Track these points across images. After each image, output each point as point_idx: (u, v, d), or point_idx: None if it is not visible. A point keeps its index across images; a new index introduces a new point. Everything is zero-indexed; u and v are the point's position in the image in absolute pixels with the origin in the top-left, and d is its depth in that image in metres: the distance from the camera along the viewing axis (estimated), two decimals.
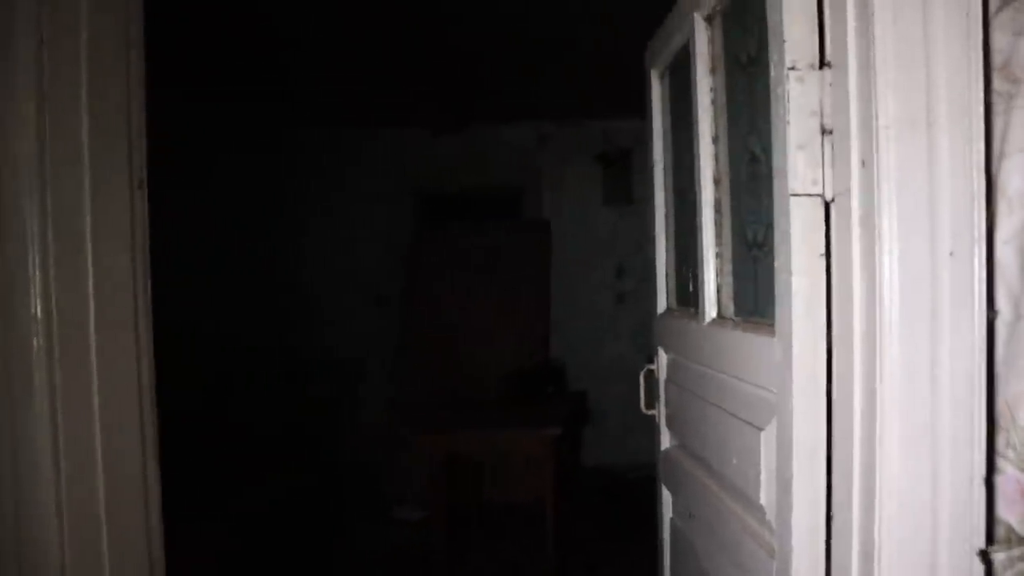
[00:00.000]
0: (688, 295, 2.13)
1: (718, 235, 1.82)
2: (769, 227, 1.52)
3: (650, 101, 2.39)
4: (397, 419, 5.24)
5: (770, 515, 1.44)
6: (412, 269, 6.34)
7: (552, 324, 6.40)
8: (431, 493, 4.24)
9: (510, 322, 6.09)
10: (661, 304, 2.37)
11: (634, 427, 6.09)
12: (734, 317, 1.73)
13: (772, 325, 1.47)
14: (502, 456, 4.32)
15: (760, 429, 1.46)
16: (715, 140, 1.83)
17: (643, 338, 6.44)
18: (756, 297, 1.60)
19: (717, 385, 1.75)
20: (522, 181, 6.73)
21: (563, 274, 6.59)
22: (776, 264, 1.38)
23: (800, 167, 1.30)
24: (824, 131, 1.29)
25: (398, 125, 6.48)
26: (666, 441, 2.34)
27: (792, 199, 1.30)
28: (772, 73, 1.37)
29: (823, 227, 1.30)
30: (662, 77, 2.33)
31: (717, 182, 1.83)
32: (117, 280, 1.52)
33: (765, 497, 1.45)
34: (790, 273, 1.31)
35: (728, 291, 1.80)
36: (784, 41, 1.30)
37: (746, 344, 1.56)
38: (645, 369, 2.40)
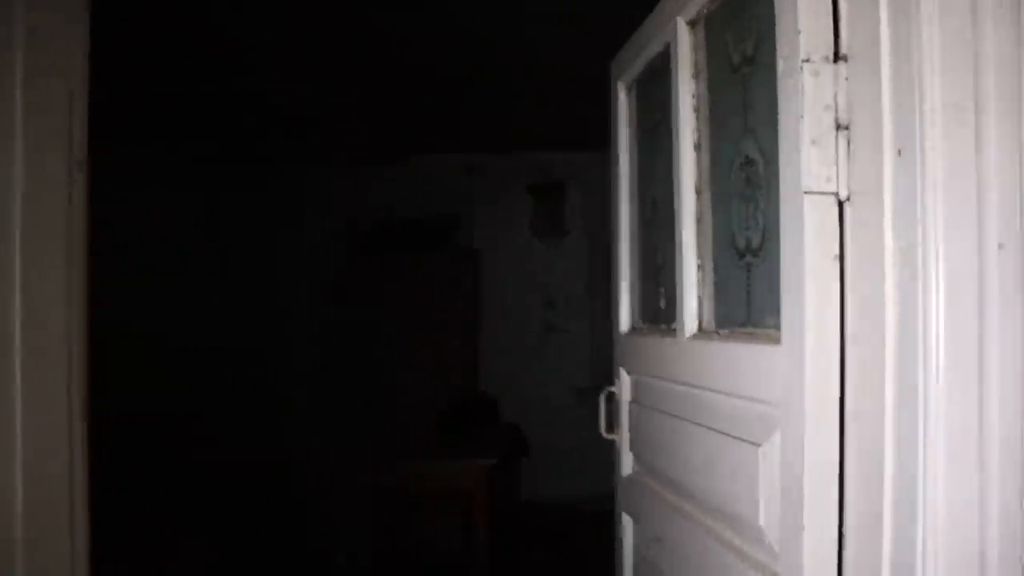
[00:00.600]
0: (658, 312, 2.05)
1: (699, 247, 1.75)
2: (767, 232, 1.45)
3: (615, 114, 2.33)
4: (325, 451, 4.99)
5: (770, 536, 1.34)
6: (341, 300, 6.14)
7: (482, 355, 6.28)
8: (359, 529, 4.02)
9: (441, 353, 5.94)
10: (624, 323, 2.29)
11: (569, 459, 6.00)
12: (718, 330, 1.65)
13: (772, 334, 1.40)
14: (436, 489, 4.14)
15: (757, 445, 1.38)
16: (697, 148, 1.77)
17: (574, 369, 6.38)
18: (749, 307, 1.52)
19: (699, 403, 1.66)
20: (454, 212, 6.63)
21: (493, 305, 6.50)
22: (783, 269, 1.30)
23: (813, 164, 1.24)
24: (839, 126, 1.24)
25: (330, 156, 6.30)
26: (628, 466, 2.24)
27: (806, 198, 1.24)
28: (780, 68, 1.31)
29: (837, 227, 1.24)
30: (629, 89, 2.28)
31: (699, 192, 1.76)
32: (49, 282, 1.35)
33: (764, 517, 1.36)
34: (803, 277, 1.24)
35: (709, 304, 1.72)
36: (799, 32, 1.24)
37: (739, 356, 1.47)
38: (606, 391, 2.30)
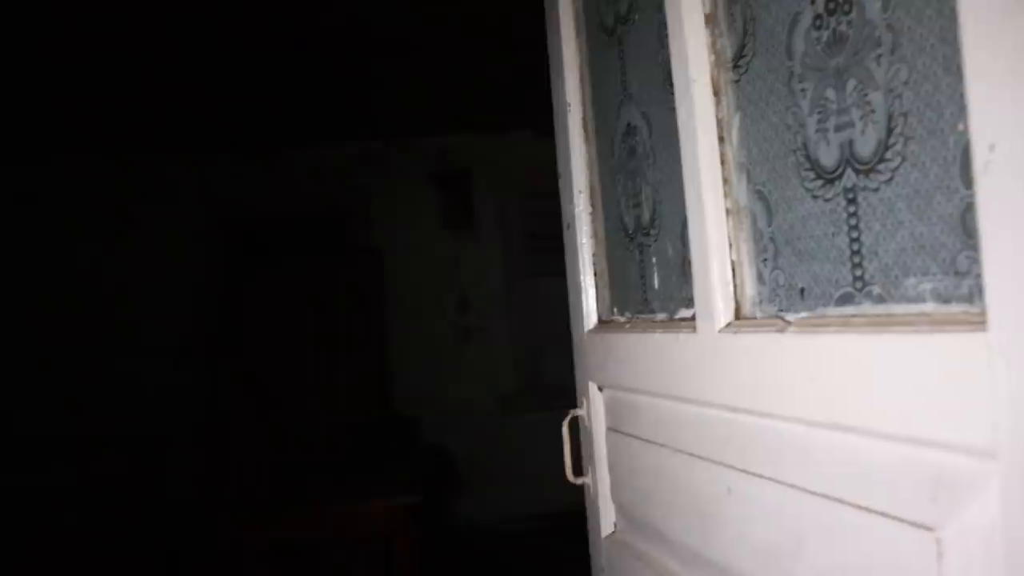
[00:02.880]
0: (649, 294, 1.37)
1: (726, 181, 1.07)
2: (898, 126, 0.78)
3: (556, 22, 1.64)
4: (208, 497, 4.13)
5: None
6: (222, 315, 5.25)
7: (393, 368, 5.51)
8: None
9: (342, 369, 5.15)
10: (588, 317, 1.59)
11: (495, 480, 5.32)
12: (781, 314, 0.98)
13: (941, 314, 0.73)
14: (347, 536, 3.39)
15: (929, 529, 0.70)
16: (710, 21, 1.09)
17: (496, 375, 5.68)
18: (860, 268, 0.85)
19: (762, 440, 0.98)
20: (348, 206, 5.82)
21: (399, 310, 5.73)
22: (982, 173, 0.63)
23: None
24: None
25: (201, 148, 5.40)
26: (609, 522, 1.55)
27: None
28: None
29: None
30: None
31: (717, 92, 1.08)
32: None
33: None
34: None
35: (754, 271, 1.04)
36: None
37: (860, 359, 0.79)
38: (570, 416, 1.60)
